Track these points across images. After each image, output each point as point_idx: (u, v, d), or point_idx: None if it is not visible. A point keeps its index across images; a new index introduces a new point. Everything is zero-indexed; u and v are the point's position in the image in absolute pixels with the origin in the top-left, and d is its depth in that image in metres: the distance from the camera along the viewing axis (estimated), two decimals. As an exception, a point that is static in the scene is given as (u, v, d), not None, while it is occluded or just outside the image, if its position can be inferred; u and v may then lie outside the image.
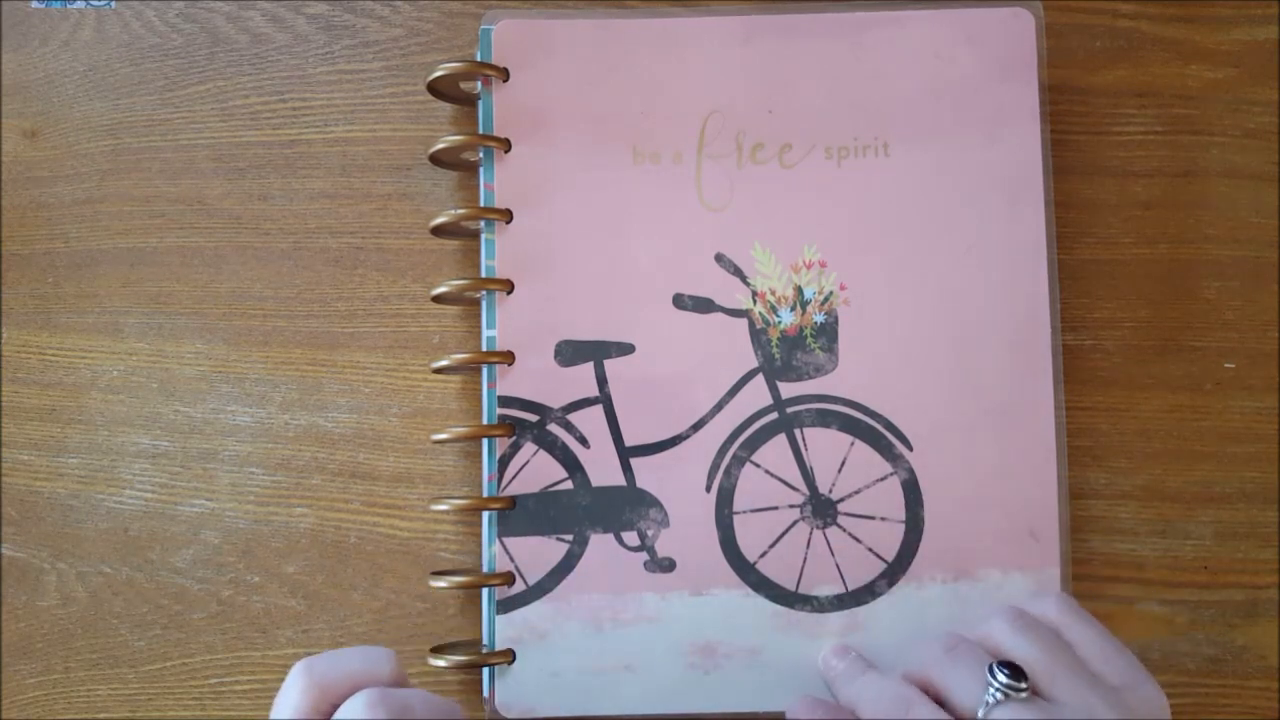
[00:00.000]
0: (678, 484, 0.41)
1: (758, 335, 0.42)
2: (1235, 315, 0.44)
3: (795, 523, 0.41)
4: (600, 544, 0.41)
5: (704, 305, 0.42)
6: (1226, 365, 0.44)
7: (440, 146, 0.42)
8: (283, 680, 0.43)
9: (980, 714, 0.34)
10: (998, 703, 0.33)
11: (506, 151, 0.42)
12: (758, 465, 0.41)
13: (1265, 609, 0.43)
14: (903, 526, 0.41)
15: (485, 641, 0.41)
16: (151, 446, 0.45)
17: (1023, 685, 0.33)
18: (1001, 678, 0.34)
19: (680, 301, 0.42)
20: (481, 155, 0.42)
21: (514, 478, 0.41)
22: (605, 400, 0.42)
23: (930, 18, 0.42)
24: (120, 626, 0.45)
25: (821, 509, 0.41)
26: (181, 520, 0.45)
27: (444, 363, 0.41)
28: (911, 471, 0.41)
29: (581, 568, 0.41)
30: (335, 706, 0.32)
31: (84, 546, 0.45)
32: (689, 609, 0.41)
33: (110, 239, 0.46)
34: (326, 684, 0.33)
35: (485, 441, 0.42)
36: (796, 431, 0.41)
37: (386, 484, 0.45)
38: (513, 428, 0.41)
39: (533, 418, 0.42)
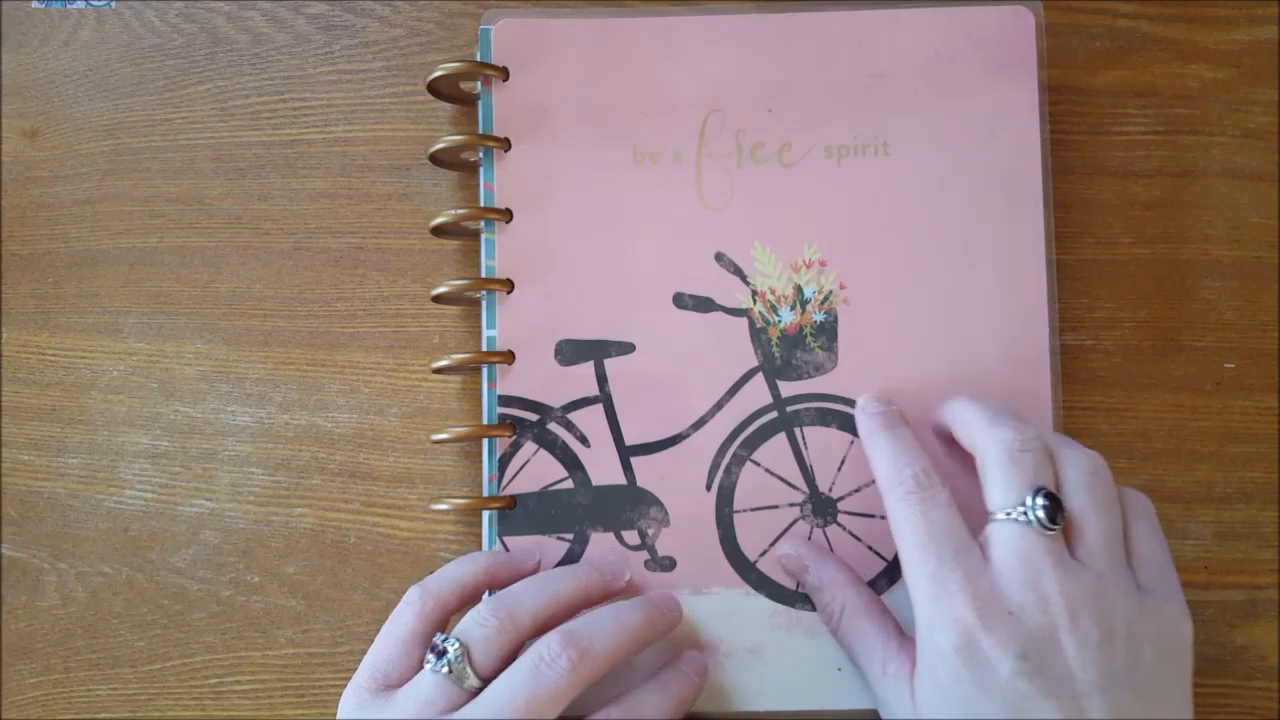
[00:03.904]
0: (678, 483, 0.41)
1: (757, 334, 0.42)
2: (1235, 315, 0.44)
3: (795, 521, 0.41)
4: (601, 543, 0.41)
5: (704, 304, 0.42)
6: (1226, 365, 0.44)
7: (440, 146, 0.42)
8: (283, 680, 0.44)
9: (997, 517, 0.34)
10: (1017, 521, 0.33)
11: (506, 151, 0.42)
12: (758, 464, 0.41)
13: (1265, 609, 0.43)
14: (903, 526, 0.41)
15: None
16: (151, 446, 0.45)
17: (1052, 528, 0.33)
18: (1039, 509, 0.33)
19: (680, 301, 0.42)
20: (481, 155, 0.42)
21: (514, 477, 0.41)
22: (605, 399, 0.42)
23: (930, 17, 0.42)
24: (120, 626, 0.45)
25: (821, 507, 0.41)
26: (181, 520, 0.45)
27: (444, 363, 0.41)
28: (911, 471, 0.41)
29: (581, 567, 0.41)
30: (449, 614, 0.37)
31: (84, 546, 0.45)
32: (689, 608, 0.40)
33: (110, 239, 0.46)
34: (440, 595, 0.37)
35: (485, 441, 0.41)
36: (796, 430, 0.41)
37: (386, 484, 0.45)
38: (513, 427, 0.41)
39: (533, 417, 0.42)
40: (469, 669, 0.34)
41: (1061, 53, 0.45)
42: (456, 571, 0.38)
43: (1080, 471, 0.35)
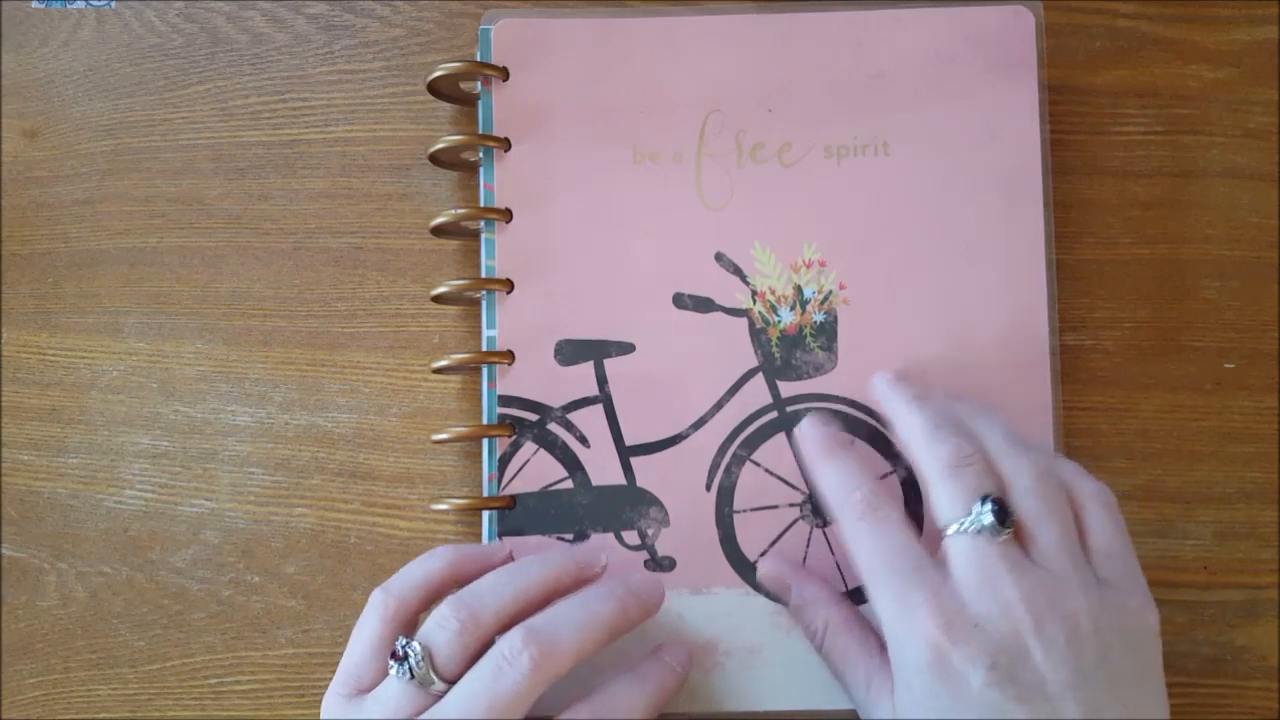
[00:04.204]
0: (678, 483, 0.41)
1: (757, 334, 0.42)
2: (1235, 315, 0.44)
3: (795, 521, 0.41)
4: (600, 543, 0.41)
5: (704, 304, 0.42)
6: (1226, 365, 0.44)
7: (440, 146, 0.42)
8: (283, 680, 0.44)
9: (949, 532, 0.34)
10: (969, 532, 0.33)
11: (506, 151, 0.42)
12: (758, 464, 0.41)
13: (1265, 609, 0.43)
14: (903, 526, 0.41)
15: (485, 641, 0.41)
16: (151, 446, 0.45)
17: (1004, 532, 0.33)
18: (988, 515, 0.33)
19: (680, 301, 0.42)
20: (481, 155, 0.42)
21: (514, 477, 0.41)
22: (605, 399, 0.42)
23: (930, 17, 0.42)
24: (120, 626, 0.45)
25: (821, 508, 0.41)
26: (181, 520, 0.45)
27: (444, 363, 0.41)
28: (911, 471, 0.41)
29: (581, 567, 0.41)
30: (415, 614, 0.36)
31: (84, 546, 0.45)
32: (689, 608, 0.41)
33: (110, 239, 0.46)
34: (403, 596, 0.36)
35: (485, 441, 0.41)
36: (796, 430, 0.41)
37: (386, 484, 0.45)
38: (513, 427, 0.41)
39: (533, 417, 0.42)
40: (432, 673, 0.33)
41: (1061, 53, 0.45)
42: (419, 570, 0.37)
43: (1026, 476, 0.35)
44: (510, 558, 0.39)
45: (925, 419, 0.37)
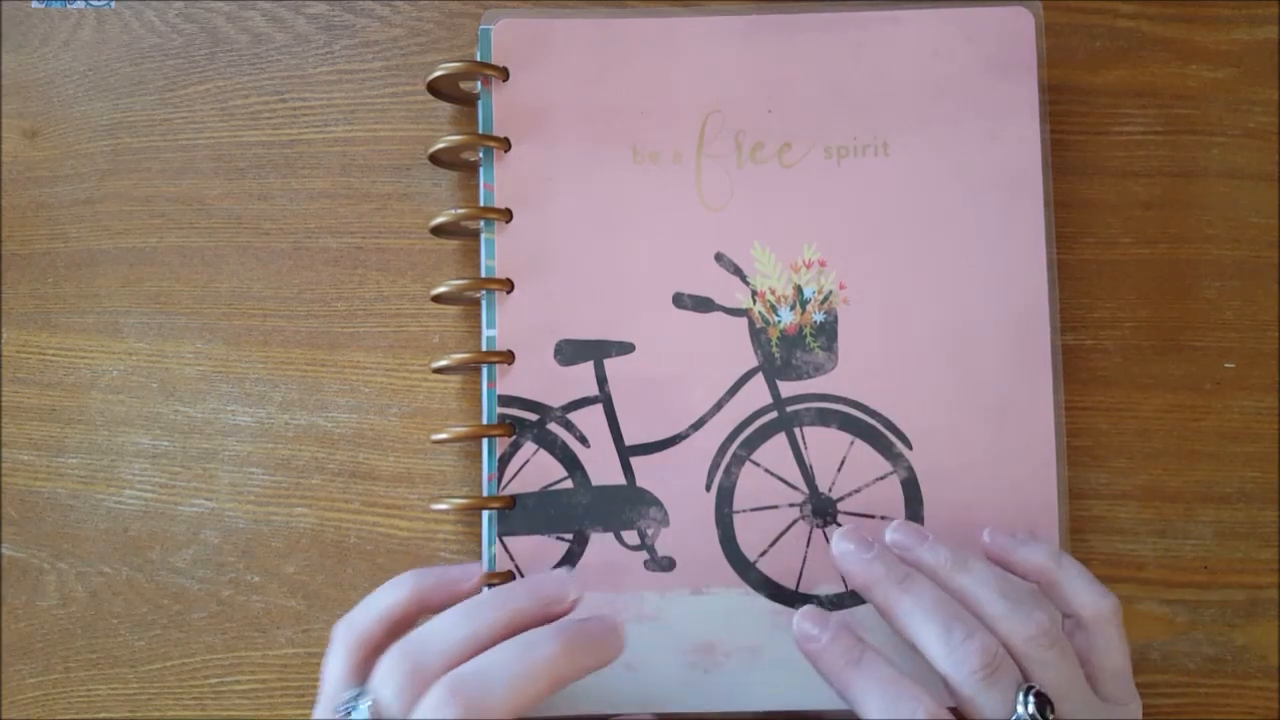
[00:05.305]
0: (678, 483, 0.41)
1: (757, 334, 0.42)
2: (1235, 315, 0.44)
3: (795, 521, 0.41)
4: (600, 543, 0.41)
5: (704, 304, 0.42)
6: (1226, 365, 0.44)
7: (440, 146, 0.42)
8: (283, 680, 0.44)
9: None
10: None
11: (506, 151, 0.42)
12: (757, 464, 0.41)
13: (1265, 609, 0.43)
14: (903, 526, 0.41)
15: (485, 641, 0.41)
16: (151, 446, 0.45)
17: (1049, 718, 0.33)
18: (1031, 708, 0.33)
19: (680, 301, 0.42)
20: (481, 155, 0.42)
21: (514, 477, 0.41)
22: (605, 399, 0.42)
23: (930, 17, 0.42)
24: (120, 626, 0.45)
25: (821, 508, 0.41)
26: (181, 520, 0.45)
27: (444, 363, 0.41)
28: (911, 470, 0.41)
29: (581, 567, 0.41)
30: (379, 645, 0.34)
31: (84, 546, 0.45)
32: (689, 608, 0.41)
33: (110, 239, 0.46)
34: (364, 629, 0.35)
35: (485, 441, 0.41)
36: (796, 430, 0.41)
37: (386, 484, 0.45)
38: (513, 427, 0.41)
39: (533, 417, 0.42)
40: None
41: (1061, 53, 0.45)
42: (381, 602, 0.36)
43: (1038, 646, 0.34)
44: (480, 584, 0.38)
45: (930, 620, 0.35)
